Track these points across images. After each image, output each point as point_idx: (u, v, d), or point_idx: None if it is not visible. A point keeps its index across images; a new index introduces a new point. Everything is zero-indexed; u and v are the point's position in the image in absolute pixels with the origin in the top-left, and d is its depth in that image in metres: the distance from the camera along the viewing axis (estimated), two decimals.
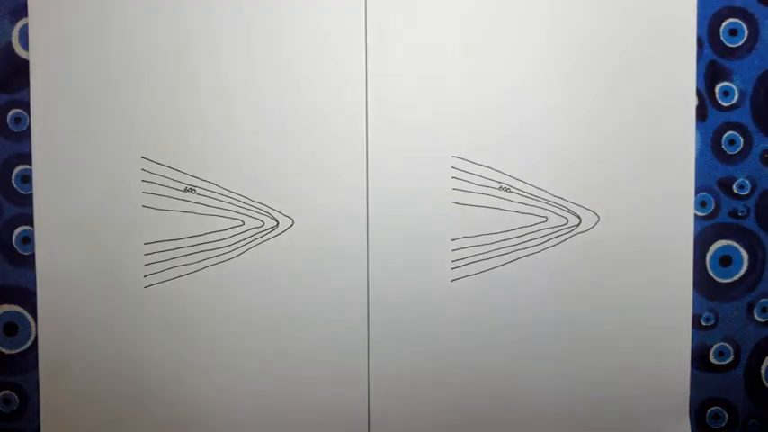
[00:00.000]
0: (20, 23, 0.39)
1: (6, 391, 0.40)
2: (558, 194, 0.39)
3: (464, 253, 0.39)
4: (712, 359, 0.41)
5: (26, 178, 0.39)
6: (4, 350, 0.39)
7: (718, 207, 0.40)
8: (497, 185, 0.39)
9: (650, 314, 0.40)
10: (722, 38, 0.39)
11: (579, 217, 0.39)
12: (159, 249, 0.39)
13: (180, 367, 0.39)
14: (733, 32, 0.39)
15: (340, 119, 0.39)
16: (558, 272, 0.39)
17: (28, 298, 0.39)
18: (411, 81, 0.39)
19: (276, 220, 0.39)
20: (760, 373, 0.41)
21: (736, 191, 0.40)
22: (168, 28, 0.38)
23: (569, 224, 0.39)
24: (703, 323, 0.40)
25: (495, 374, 0.40)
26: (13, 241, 0.39)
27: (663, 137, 0.39)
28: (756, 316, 0.40)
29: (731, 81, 0.40)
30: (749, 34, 0.39)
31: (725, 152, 0.40)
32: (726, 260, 0.40)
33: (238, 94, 0.39)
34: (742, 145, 0.40)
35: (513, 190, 0.39)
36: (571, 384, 0.40)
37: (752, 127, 0.40)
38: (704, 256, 0.40)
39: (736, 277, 0.40)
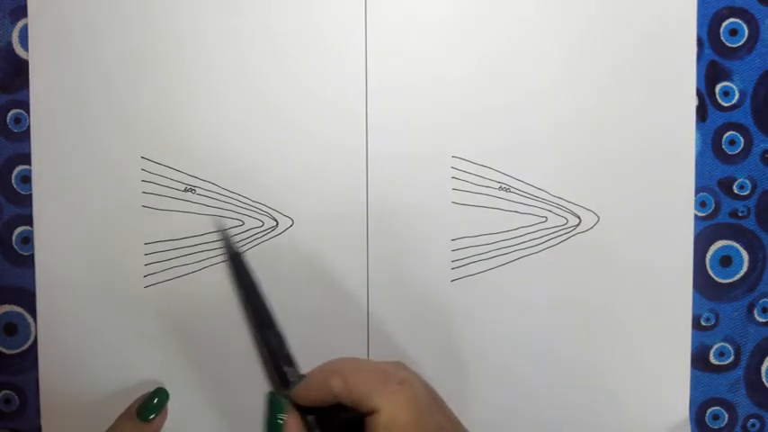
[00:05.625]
0: (20, 23, 0.39)
1: (6, 391, 0.40)
2: (558, 194, 0.39)
3: (464, 253, 0.39)
4: (712, 359, 0.41)
5: (26, 178, 0.39)
6: (4, 350, 0.39)
7: (718, 207, 0.40)
8: (497, 185, 0.39)
9: (650, 314, 0.40)
10: (722, 38, 0.39)
11: (579, 217, 0.39)
12: (159, 249, 0.39)
13: (180, 367, 0.39)
14: (733, 32, 0.39)
15: (340, 119, 0.39)
16: (558, 272, 0.39)
17: (28, 298, 0.39)
18: (411, 81, 0.39)
19: (276, 220, 0.39)
20: (760, 373, 0.41)
21: (736, 191, 0.40)
22: (167, 28, 0.38)
23: (569, 224, 0.39)
24: (703, 323, 0.40)
25: (494, 373, 0.40)
26: (13, 241, 0.39)
27: (663, 137, 0.39)
28: (757, 316, 0.40)
29: (731, 81, 0.40)
30: (749, 34, 0.39)
31: (725, 152, 0.40)
32: (726, 260, 0.40)
33: (238, 94, 0.39)
34: (742, 145, 0.40)
35: (513, 190, 0.39)
36: (570, 384, 0.40)
37: (752, 127, 0.40)
38: (704, 257, 0.40)
39: (737, 277, 0.40)
